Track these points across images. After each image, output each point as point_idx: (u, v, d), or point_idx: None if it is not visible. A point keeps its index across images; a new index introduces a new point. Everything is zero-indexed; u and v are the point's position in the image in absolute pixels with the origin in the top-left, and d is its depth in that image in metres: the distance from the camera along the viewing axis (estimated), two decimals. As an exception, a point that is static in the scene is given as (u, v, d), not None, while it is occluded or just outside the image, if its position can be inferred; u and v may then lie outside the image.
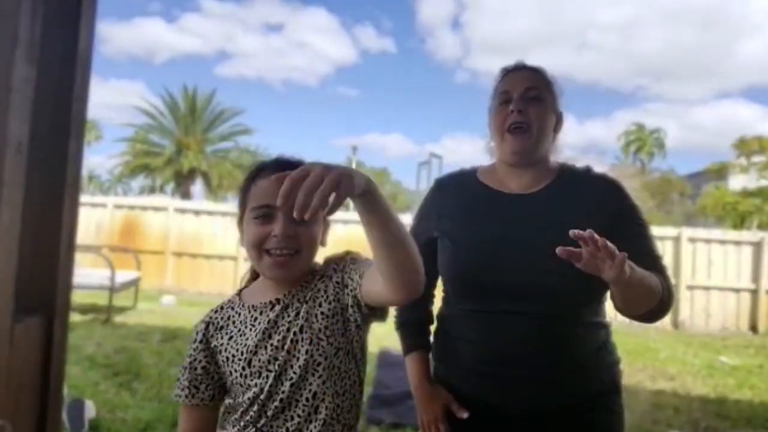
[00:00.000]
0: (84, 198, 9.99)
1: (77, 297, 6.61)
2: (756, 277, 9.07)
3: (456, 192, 1.42)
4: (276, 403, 1.02)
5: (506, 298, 1.26)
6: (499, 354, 1.28)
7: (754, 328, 8.97)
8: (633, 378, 5.18)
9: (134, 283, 7.69)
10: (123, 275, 7.34)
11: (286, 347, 1.03)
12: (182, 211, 10.41)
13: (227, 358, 1.06)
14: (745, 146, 20.55)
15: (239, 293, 1.15)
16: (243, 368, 1.04)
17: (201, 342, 1.09)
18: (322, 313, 1.05)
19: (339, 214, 9.71)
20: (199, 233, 10.19)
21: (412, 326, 1.46)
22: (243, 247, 1.09)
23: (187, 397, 1.07)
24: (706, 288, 9.10)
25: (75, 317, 6.03)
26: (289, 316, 1.05)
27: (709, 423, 4.08)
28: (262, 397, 1.03)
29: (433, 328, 1.48)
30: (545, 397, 1.27)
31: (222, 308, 1.13)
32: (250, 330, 1.06)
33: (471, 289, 1.33)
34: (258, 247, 1.04)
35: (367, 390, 4.07)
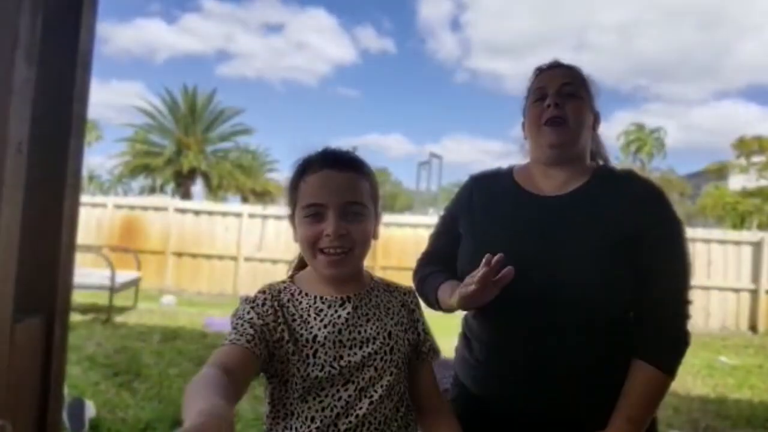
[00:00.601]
0: (84, 198, 9.98)
1: (77, 297, 6.61)
2: (756, 277, 9.07)
3: (488, 190, 1.38)
4: (351, 419, 1.00)
5: (522, 303, 1.20)
6: (513, 361, 1.24)
7: (753, 328, 8.97)
8: (633, 378, 5.17)
9: (134, 283, 7.69)
10: (123, 275, 7.34)
11: (364, 355, 1.02)
12: (182, 211, 10.41)
13: (286, 339, 0.99)
14: (744, 146, 20.54)
15: (292, 279, 1.10)
16: (307, 355, 0.99)
17: (271, 307, 1.01)
18: (408, 340, 1.09)
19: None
20: (199, 233, 10.19)
21: (432, 276, 1.38)
22: (296, 243, 1.07)
23: (249, 341, 0.94)
24: (706, 288, 9.09)
25: (75, 317, 6.03)
26: (366, 322, 1.05)
27: (709, 423, 4.08)
28: (326, 397, 1.00)
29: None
30: (560, 407, 1.22)
31: (281, 291, 1.06)
32: (315, 319, 1.02)
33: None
34: (312, 247, 1.02)
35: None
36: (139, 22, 65.23)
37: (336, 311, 1.04)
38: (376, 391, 1.01)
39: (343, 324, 1.03)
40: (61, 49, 1.01)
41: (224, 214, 10.31)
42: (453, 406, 1.30)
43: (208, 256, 10.10)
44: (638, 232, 1.19)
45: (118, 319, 6.64)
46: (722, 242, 9.27)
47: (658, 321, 1.21)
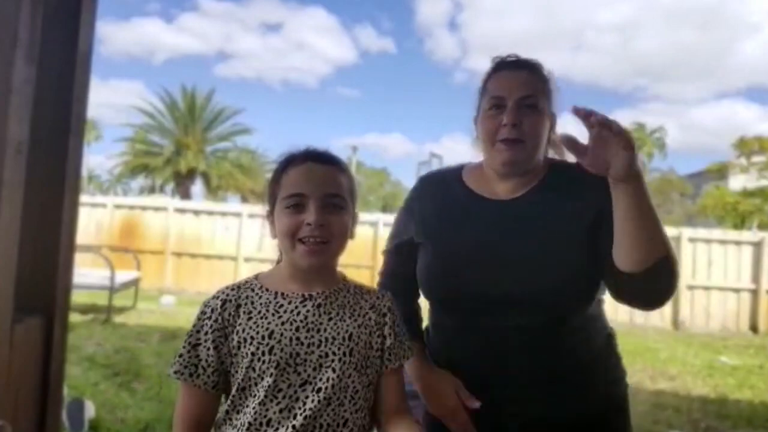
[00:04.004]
0: (84, 198, 9.98)
1: (77, 297, 6.61)
2: (756, 277, 9.07)
3: (438, 195, 1.33)
4: (309, 420, 0.99)
5: (488, 310, 1.20)
6: (487, 369, 1.22)
7: (754, 328, 8.97)
8: (633, 378, 5.17)
9: (134, 283, 7.69)
10: (123, 275, 7.34)
11: (322, 354, 1.02)
12: (182, 211, 10.41)
13: (244, 339, 1.01)
14: (745, 146, 20.53)
15: (256, 277, 1.12)
16: (263, 352, 1.00)
17: (215, 320, 1.03)
18: (371, 343, 1.07)
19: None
20: (199, 233, 10.19)
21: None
22: (274, 239, 1.08)
23: (191, 376, 1.03)
24: (707, 288, 9.10)
25: (75, 317, 6.03)
26: (327, 321, 1.04)
27: (710, 423, 4.08)
28: (284, 398, 1.00)
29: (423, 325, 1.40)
30: (537, 414, 1.20)
31: (240, 288, 1.08)
32: (273, 315, 1.03)
33: (451, 301, 1.27)
34: (291, 237, 1.03)
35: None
36: (137, 22, 65.22)
37: (296, 308, 1.04)
38: (334, 393, 1.00)
39: (301, 322, 1.02)
40: (61, 49, 1.01)
41: (224, 214, 10.31)
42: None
43: (208, 256, 10.10)
44: (598, 215, 1.16)
45: (118, 319, 6.63)
46: (723, 242, 9.28)
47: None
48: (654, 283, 1.09)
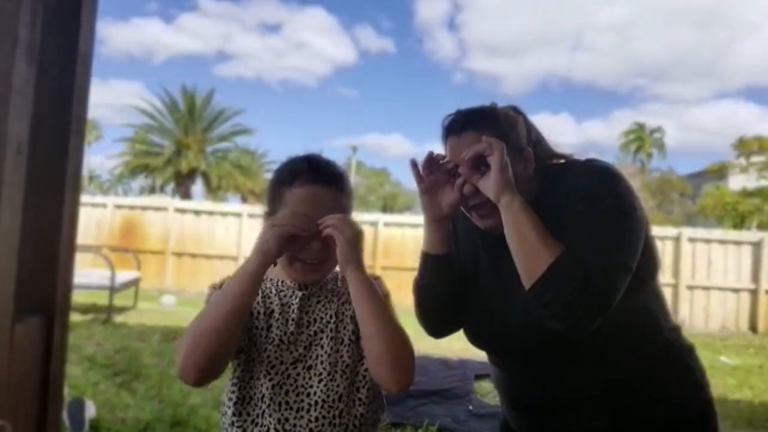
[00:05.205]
0: (84, 198, 9.98)
1: (77, 297, 6.61)
2: (756, 277, 9.08)
3: (465, 221, 1.27)
4: (303, 397, 1.04)
5: (515, 357, 1.23)
6: (521, 400, 1.27)
7: (753, 328, 8.98)
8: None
9: (134, 283, 7.70)
10: (123, 275, 7.34)
11: (314, 336, 1.07)
12: (182, 211, 10.41)
13: (258, 310, 1.08)
14: (744, 146, 20.54)
15: None
16: (263, 329, 1.06)
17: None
18: (352, 317, 1.09)
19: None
20: (199, 233, 10.20)
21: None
22: None
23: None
24: (706, 288, 9.11)
25: (75, 317, 6.03)
26: (315, 304, 1.10)
27: (709, 423, 4.07)
28: (276, 374, 1.05)
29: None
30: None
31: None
32: (275, 296, 1.10)
33: (480, 344, 1.29)
34: (292, 255, 1.07)
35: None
36: (136, 22, 65.03)
37: (293, 293, 1.11)
38: (324, 369, 1.05)
39: (296, 303, 1.09)
40: (61, 49, 1.01)
41: (224, 214, 10.32)
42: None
43: (208, 256, 10.11)
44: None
45: (118, 319, 6.64)
46: (722, 242, 9.29)
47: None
48: (547, 295, 1.04)
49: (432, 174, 1.17)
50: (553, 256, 1.03)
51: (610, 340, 1.12)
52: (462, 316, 1.27)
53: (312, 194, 1.07)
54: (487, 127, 1.16)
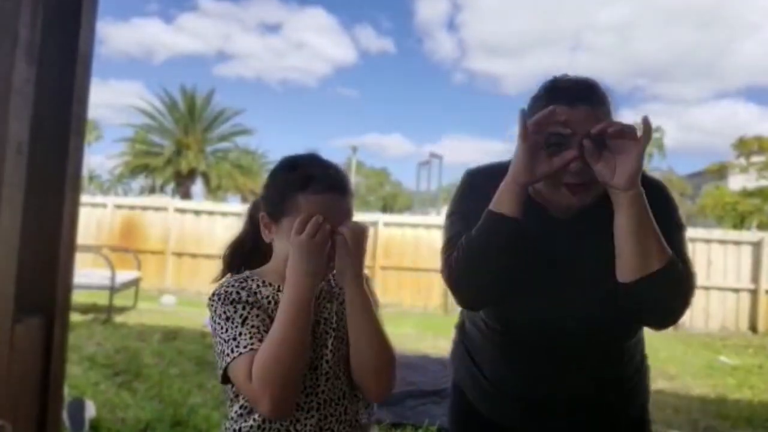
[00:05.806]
0: (84, 198, 9.98)
1: (77, 297, 6.61)
2: (755, 277, 9.08)
3: (488, 196, 1.15)
4: (312, 397, 1.06)
5: (536, 332, 1.21)
6: (522, 383, 1.26)
7: (753, 328, 8.98)
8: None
9: (134, 283, 7.70)
10: (123, 275, 7.34)
11: (319, 338, 1.09)
12: (182, 211, 10.41)
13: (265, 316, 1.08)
14: (744, 146, 20.52)
15: (250, 274, 1.18)
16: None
17: (248, 295, 1.09)
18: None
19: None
20: (199, 233, 10.19)
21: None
22: (269, 241, 1.14)
23: (260, 341, 1.02)
24: (706, 288, 9.10)
25: (75, 317, 6.03)
26: (316, 306, 1.09)
27: (709, 423, 4.08)
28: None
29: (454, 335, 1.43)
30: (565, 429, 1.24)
31: (246, 279, 1.14)
32: (277, 304, 1.08)
33: (497, 320, 1.25)
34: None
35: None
36: (136, 22, 64.92)
37: None
38: (330, 368, 1.08)
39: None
40: (61, 49, 1.01)
41: (224, 214, 10.32)
42: (453, 416, 1.38)
43: (208, 256, 10.10)
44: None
45: (118, 319, 6.64)
46: (722, 242, 9.28)
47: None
48: (653, 293, 1.06)
49: (538, 133, 1.06)
50: (667, 256, 1.06)
51: (619, 340, 1.23)
52: (508, 291, 1.17)
53: (330, 203, 1.07)
54: (603, 104, 1.11)
